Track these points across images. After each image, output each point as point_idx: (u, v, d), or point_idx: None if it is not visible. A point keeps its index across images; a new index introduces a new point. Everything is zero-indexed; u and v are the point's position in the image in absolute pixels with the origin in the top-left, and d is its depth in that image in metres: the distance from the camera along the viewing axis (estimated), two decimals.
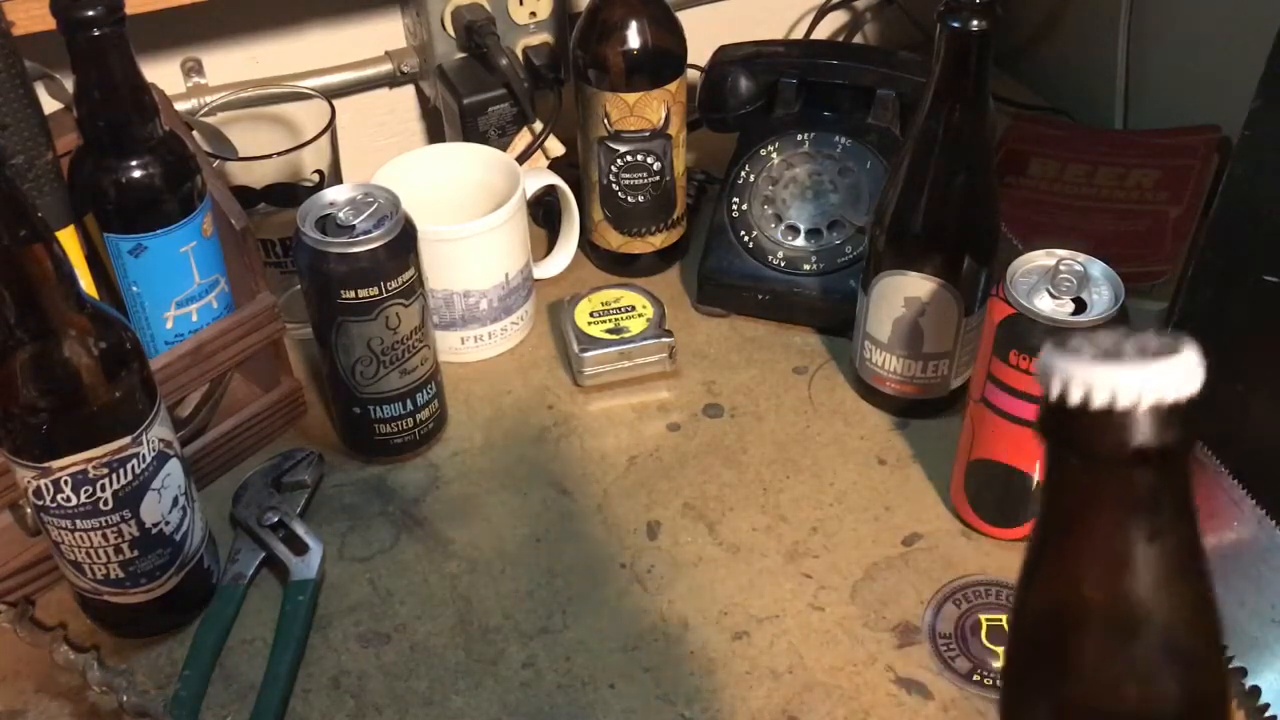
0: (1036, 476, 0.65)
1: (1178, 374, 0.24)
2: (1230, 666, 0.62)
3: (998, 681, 0.62)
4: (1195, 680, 0.26)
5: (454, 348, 0.82)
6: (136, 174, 0.65)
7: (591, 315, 0.81)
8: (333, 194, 0.69)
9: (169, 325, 0.70)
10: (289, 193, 0.79)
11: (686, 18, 0.84)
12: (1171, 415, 0.24)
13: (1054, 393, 0.24)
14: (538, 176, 0.84)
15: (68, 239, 0.65)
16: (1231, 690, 0.27)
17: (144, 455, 0.58)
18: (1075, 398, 0.24)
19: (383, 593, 0.68)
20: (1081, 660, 0.26)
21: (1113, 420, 0.24)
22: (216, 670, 0.63)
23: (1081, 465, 0.25)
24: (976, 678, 0.62)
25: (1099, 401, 0.24)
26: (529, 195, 0.82)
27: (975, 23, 0.62)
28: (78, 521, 0.58)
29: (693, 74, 0.87)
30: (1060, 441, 0.25)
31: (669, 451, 0.76)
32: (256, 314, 0.71)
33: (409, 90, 0.99)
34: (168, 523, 0.61)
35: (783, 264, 0.83)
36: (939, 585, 0.67)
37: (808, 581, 0.67)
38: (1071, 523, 0.26)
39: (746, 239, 0.84)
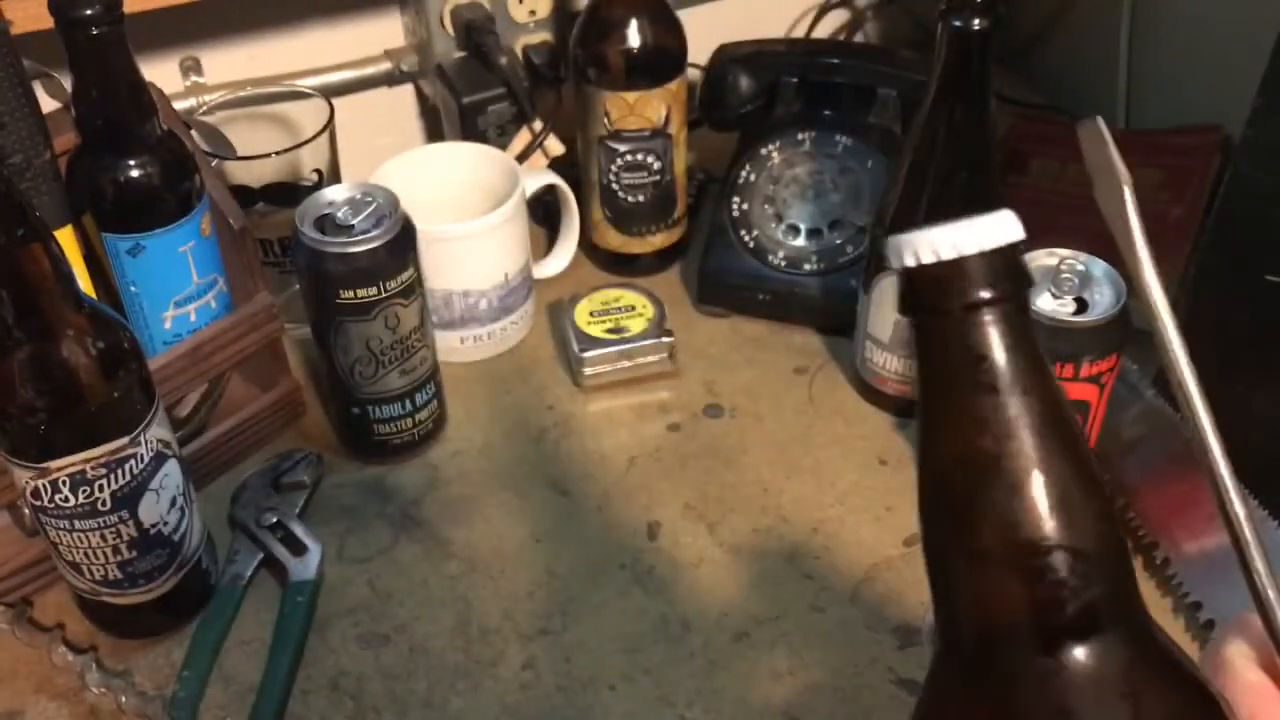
0: None
1: (992, 227, 0.27)
2: None
3: None
4: (1084, 521, 0.28)
5: (453, 348, 0.81)
6: (134, 173, 0.65)
7: (591, 315, 0.80)
8: (331, 193, 0.69)
9: (167, 325, 0.70)
10: (287, 192, 0.79)
11: (687, 16, 0.84)
12: (994, 262, 0.27)
13: (894, 263, 0.28)
14: (537, 176, 0.84)
15: (65, 238, 0.65)
16: (1125, 538, 0.31)
17: (142, 456, 0.58)
18: (910, 261, 0.28)
19: (382, 594, 0.67)
20: (971, 509, 0.29)
21: (943, 272, 0.28)
22: (215, 671, 0.63)
23: (934, 324, 0.28)
24: None
25: (927, 259, 0.27)
26: (528, 195, 0.82)
27: (977, 21, 0.62)
28: (76, 522, 0.58)
29: (693, 73, 0.86)
30: (910, 306, 0.29)
31: (669, 452, 0.75)
32: (255, 314, 0.71)
33: (408, 89, 0.98)
34: (166, 523, 0.61)
35: (783, 264, 0.83)
36: None
37: (808, 583, 0.67)
38: (936, 382, 0.29)
39: (747, 238, 0.83)
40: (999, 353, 0.28)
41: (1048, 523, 0.28)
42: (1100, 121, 0.33)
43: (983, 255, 0.28)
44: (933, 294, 0.28)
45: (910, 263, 0.28)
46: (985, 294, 0.28)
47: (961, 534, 0.29)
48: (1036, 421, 0.28)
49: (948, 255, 0.28)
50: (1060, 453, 0.28)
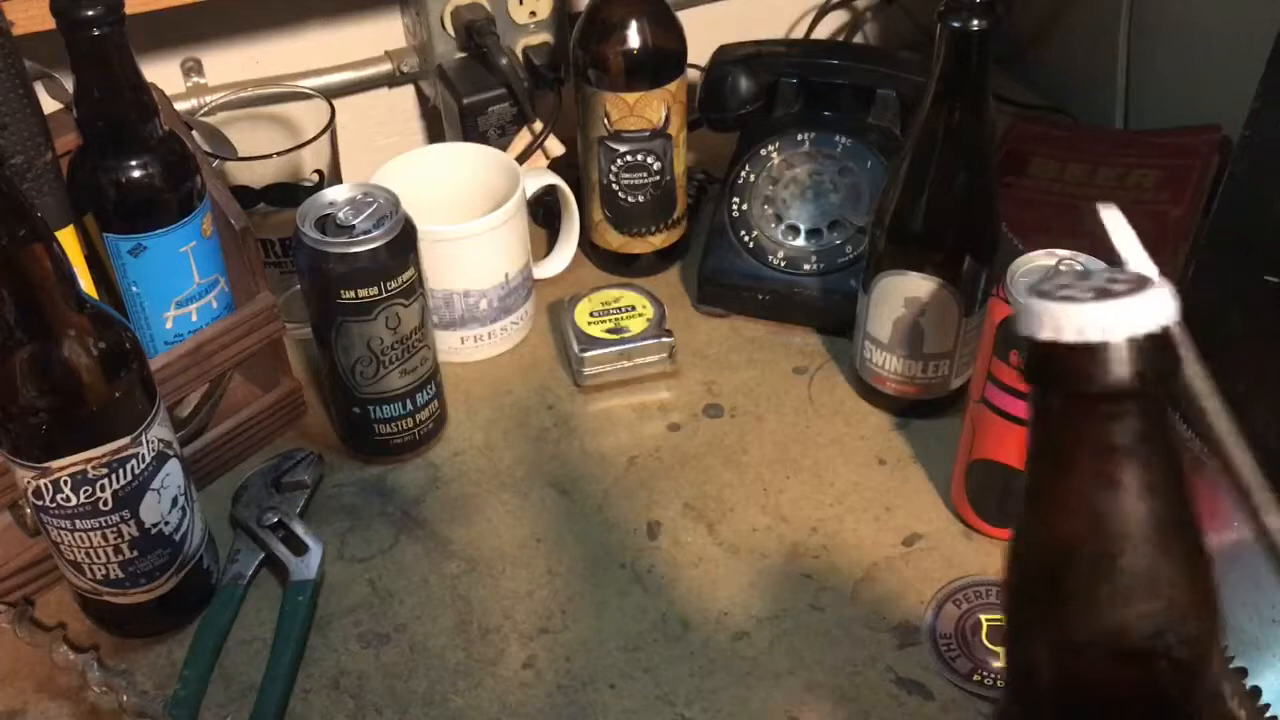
0: None
1: (1148, 308, 0.25)
2: (1230, 667, 0.62)
3: (999, 681, 0.62)
4: (1183, 623, 0.26)
5: (454, 348, 0.82)
6: (136, 174, 0.65)
7: (591, 315, 0.81)
8: (332, 194, 0.69)
9: (168, 325, 0.70)
10: (289, 192, 0.79)
11: (686, 17, 0.84)
12: (1144, 349, 0.25)
13: (1031, 333, 0.25)
14: (538, 176, 0.84)
15: (67, 239, 0.65)
16: (1219, 641, 0.28)
17: (143, 455, 0.58)
18: (1047, 334, 0.25)
19: (382, 593, 0.68)
20: (1071, 599, 0.26)
21: (1085, 356, 0.25)
22: (216, 670, 0.63)
23: (1062, 404, 0.26)
24: (977, 678, 0.62)
25: (1069, 337, 0.24)
26: (529, 195, 0.82)
27: (976, 22, 0.62)
28: (77, 522, 0.58)
29: (693, 74, 0.87)
30: (1041, 381, 0.26)
31: (669, 451, 0.76)
32: (256, 314, 0.71)
33: (409, 90, 0.98)
34: (167, 523, 0.61)
35: (783, 264, 0.83)
36: (939, 586, 0.66)
37: (808, 582, 0.67)
38: (1055, 463, 0.26)
39: (747, 239, 0.84)
40: (1132, 448, 0.25)
41: (1149, 630, 0.26)
42: (1116, 211, 0.29)
43: (1132, 341, 0.24)
44: (1068, 376, 0.25)
45: (1048, 336, 0.25)
46: (1128, 384, 0.24)
47: (1055, 621, 0.27)
48: (1159, 524, 0.25)
49: (1094, 338, 0.24)
50: (1179, 559, 0.26)
